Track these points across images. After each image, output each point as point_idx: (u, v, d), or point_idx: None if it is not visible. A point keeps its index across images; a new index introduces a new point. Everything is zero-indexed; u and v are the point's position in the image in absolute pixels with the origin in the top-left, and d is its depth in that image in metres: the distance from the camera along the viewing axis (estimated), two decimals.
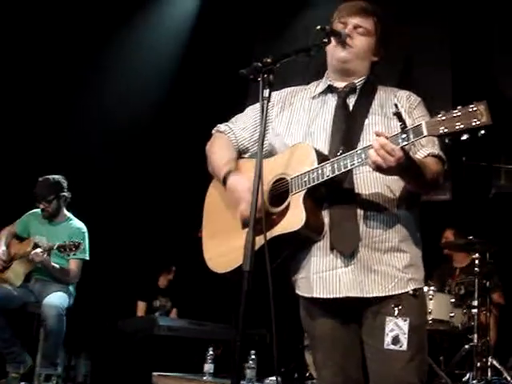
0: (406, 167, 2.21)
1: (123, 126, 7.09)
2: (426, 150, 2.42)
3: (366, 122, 2.47)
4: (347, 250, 2.35)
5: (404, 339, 2.30)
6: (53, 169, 5.59)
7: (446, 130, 2.06)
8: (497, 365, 4.94)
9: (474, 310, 5.02)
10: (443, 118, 2.07)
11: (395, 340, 2.31)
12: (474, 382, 4.83)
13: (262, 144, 2.11)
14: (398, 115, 2.14)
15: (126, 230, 7.06)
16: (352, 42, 2.53)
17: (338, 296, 2.36)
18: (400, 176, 2.32)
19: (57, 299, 5.04)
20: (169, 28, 7.51)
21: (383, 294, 2.35)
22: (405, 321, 2.31)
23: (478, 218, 6.22)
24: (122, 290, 6.79)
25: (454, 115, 2.05)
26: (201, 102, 7.29)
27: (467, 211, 6.36)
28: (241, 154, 2.69)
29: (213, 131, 2.77)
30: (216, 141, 2.73)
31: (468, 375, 4.97)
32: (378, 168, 2.19)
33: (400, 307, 2.32)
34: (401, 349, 2.30)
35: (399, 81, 6.43)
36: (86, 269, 5.34)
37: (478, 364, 4.89)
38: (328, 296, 2.38)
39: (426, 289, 5.05)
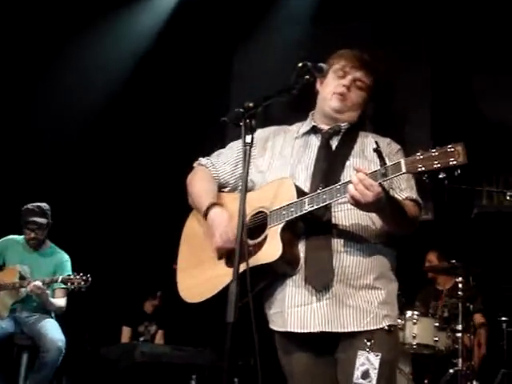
0: (383, 204, 2.25)
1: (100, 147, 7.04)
2: (404, 193, 2.48)
3: (347, 163, 2.52)
4: (320, 285, 2.37)
5: (374, 374, 2.31)
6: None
7: (423, 168, 2.11)
8: None
9: (459, 334, 5.01)
10: (421, 156, 2.13)
11: (365, 374, 2.32)
12: None
13: (246, 189, 2.09)
14: (378, 152, 2.19)
15: (110, 256, 7.01)
16: (349, 96, 2.58)
17: (312, 331, 2.38)
18: (377, 213, 2.36)
19: (59, 332, 5.03)
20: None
21: (358, 329, 2.37)
22: (376, 356, 2.32)
23: (460, 238, 6.25)
24: (107, 316, 6.72)
25: (432, 154, 2.11)
26: (178, 131, 7.22)
27: (449, 231, 6.39)
28: (220, 187, 2.70)
29: (194, 164, 2.80)
30: (197, 173, 2.75)
31: None
32: (357, 203, 2.23)
33: (372, 341, 2.33)
34: None
35: (379, 105, 6.45)
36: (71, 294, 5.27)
37: None
38: (302, 330, 2.39)
39: (409, 313, 5.06)
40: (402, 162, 2.16)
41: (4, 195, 6.26)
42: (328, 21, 6.76)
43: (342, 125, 2.61)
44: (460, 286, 5.07)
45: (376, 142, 2.22)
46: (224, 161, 2.70)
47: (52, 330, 5.00)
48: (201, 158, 2.78)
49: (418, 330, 5.02)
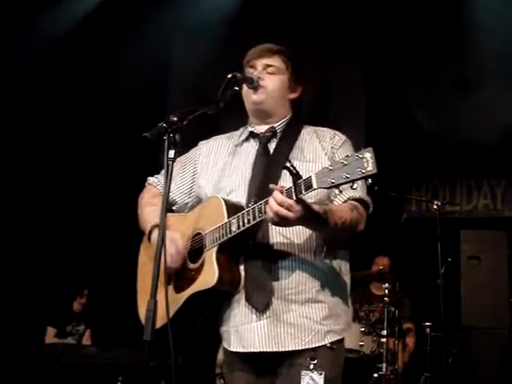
0: (305, 219, 2.20)
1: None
2: (345, 193, 2.37)
3: None
4: (260, 304, 2.35)
5: None
6: None
7: (333, 181, 2.03)
8: None
9: (384, 339, 5.10)
10: (331, 168, 2.05)
11: None
12: None
13: (166, 205, 2.07)
14: (288, 169, 2.11)
15: (34, 254, 6.83)
16: (264, 83, 2.53)
17: (252, 350, 2.37)
18: (304, 226, 2.32)
19: None
20: None
21: (299, 348, 2.36)
22: (320, 374, 2.29)
23: (389, 242, 6.36)
24: (32, 315, 6.56)
25: (342, 164, 2.02)
26: None
27: (379, 235, 6.48)
28: (171, 205, 2.67)
29: (146, 183, 2.79)
30: (145, 194, 2.74)
31: None
32: (276, 224, 2.20)
33: (316, 361, 2.30)
34: None
35: (313, 107, 6.54)
36: None
37: None
38: (243, 350, 2.39)
39: None
40: (313, 177, 2.08)
41: None
42: (262, 23, 6.77)
43: (277, 125, 2.57)
44: (386, 291, 5.16)
45: (288, 159, 2.15)
46: (173, 179, 2.66)
47: None
48: (150, 178, 2.77)
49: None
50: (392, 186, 5.66)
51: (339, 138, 2.55)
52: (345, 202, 2.41)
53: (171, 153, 2.05)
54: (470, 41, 6.46)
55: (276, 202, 2.13)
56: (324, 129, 2.61)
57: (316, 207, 2.24)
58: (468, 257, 5.22)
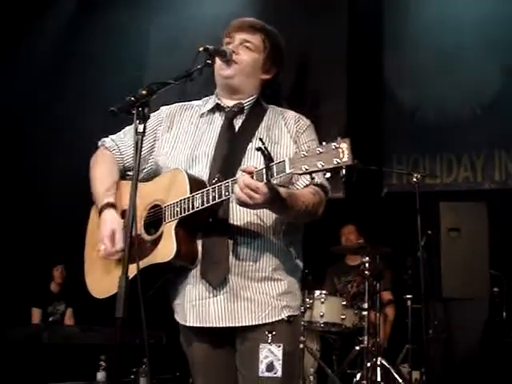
0: (272, 202, 2.19)
1: None
2: (307, 177, 2.36)
3: (249, 146, 2.44)
4: (215, 280, 2.35)
5: (278, 366, 2.31)
6: None
7: (307, 168, 2.02)
8: (386, 364, 5.08)
9: (365, 312, 5.13)
10: (306, 154, 2.04)
11: (270, 367, 2.32)
12: (364, 382, 4.96)
13: (137, 181, 2.02)
14: (262, 151, 2.08)
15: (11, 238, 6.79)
16: (237, 58, 2.50)
17: (210, 325, 2.37)
18: (268, 209, 2.31)
19: None
20: None
21: (256, 323, 2.36)
22: (279, 347, 2.31)
23: (370, 216, 6.38)
24: (16, 298, 6.53)
25: (318, 152, 2.01)
26: None
27: (360, 209, 6.50)
28: (126, 170, 2.62)
29: (99, 143, 2.68)
30: (99, 158, 2.64)
31: (358, 375, 5.09)
32: (244, 205, 2.18)
33: (274, 333, 2.32)
34: (275, 375, 2.31)
35: (296, 78, 6.53)
36: None
37: (368, 364, 5.01)
38: (200, 325, 2.39)
39: (317, 293, 5.15)
40: (287, 161, 2.07)
41: None
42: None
43: (245, 102, 2.54)
44: (367, 265, 5.18)
45: (261, 140, 2.10)
46: (129, 143, 2.59)
47: None
48: (105, 139, 2.66)
49: (326, 308, 5.13)
50: (373, 160, 5.66)
51: (304, 122, 2.55)
52: (306, 186, 2.41)
53: (140, 127, 2.01)
54: (448, 15, 6.47)
55: (245, 184, 2.11)
56: (289, 111, 2.59)
57: (282, 191, 2.24)
58: (448, 229, 5.20)
